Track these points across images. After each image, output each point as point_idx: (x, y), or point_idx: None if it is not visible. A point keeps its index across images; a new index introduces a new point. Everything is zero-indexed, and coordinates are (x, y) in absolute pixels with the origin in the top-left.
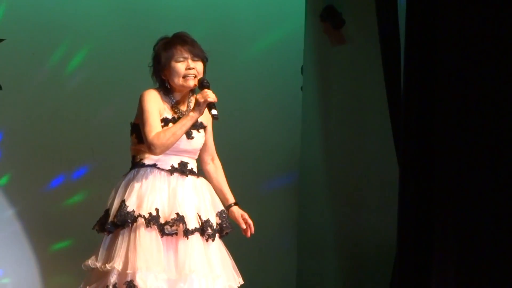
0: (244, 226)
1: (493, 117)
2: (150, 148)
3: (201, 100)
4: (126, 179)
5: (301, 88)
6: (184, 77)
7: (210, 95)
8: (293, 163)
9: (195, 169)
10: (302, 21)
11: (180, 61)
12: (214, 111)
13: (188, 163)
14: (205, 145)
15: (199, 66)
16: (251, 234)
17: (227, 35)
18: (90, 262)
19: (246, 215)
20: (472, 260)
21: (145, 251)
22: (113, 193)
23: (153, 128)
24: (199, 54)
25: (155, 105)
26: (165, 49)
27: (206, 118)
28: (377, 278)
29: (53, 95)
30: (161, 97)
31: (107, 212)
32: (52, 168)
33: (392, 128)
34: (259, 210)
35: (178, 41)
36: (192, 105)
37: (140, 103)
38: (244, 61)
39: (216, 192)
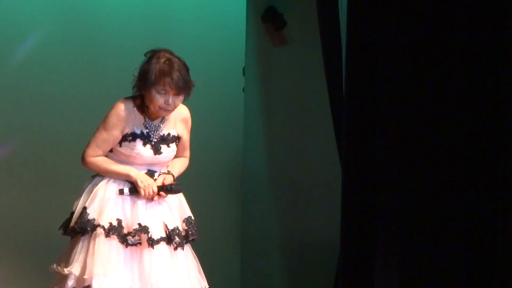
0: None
1: (435, 115)
2: (82, 162)
3: (139, 184)
4: (92, 183)
5: (243, 89)
6: (160, 108)
7: (147, 193)
8: (236, 164)
9: None
10: (243, 22)
11: (161, 94)
12: (125, 190)
13: (155, 171)
14: (178, 150)
15: (178, 100)
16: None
17: (168, 36)
18: (55, 265)
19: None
20: (414, 257)
21: (103, 257)
22: (79, 193)
23: (98, 148)
24: (182, 89)
25: (118, 124)
26: (153, 74)
27: (181, 128)
28: (321, 277)
29: None
30: (136, 107)
31: (72, 215)
32: None
33: (334, 128)
34: (202, 213)
35: (168, 72)
36: (165, 120)
37: (109, 112)
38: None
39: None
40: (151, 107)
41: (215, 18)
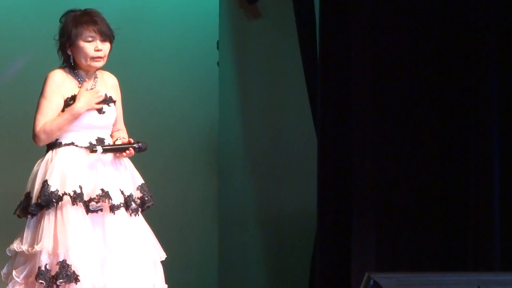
0: None
1: (410, 84)
2: (34, 139)
3: (89, 99)
4: (45, 160)
5: (218, 63)
6: (92, 58)
7: (96, 95)
8: (211, 137)
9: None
10: None
11: (88, 41)
12: (99, 148)
13: (104, 138)
14: (116, 120)
15: (106, 47)
16: None
17: (140, 10)
18: (16, 246)
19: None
20: (390, 226)
21: (74, 230)
22: (32, 176)
23: (44, 117)
24: (107, 35)
25: (56, 89)
26: (75, 26)
27: (115, 92)
28: (299, 246)
29: None
30: (68, 74)
31: (28, 195)
32: None
33: (309, 101)
34: (179, 188)
35: (88, 19)
36: (98, 80)
37: (43, 85)
38: (158, 37)
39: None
40: (83, 62)
41: None
